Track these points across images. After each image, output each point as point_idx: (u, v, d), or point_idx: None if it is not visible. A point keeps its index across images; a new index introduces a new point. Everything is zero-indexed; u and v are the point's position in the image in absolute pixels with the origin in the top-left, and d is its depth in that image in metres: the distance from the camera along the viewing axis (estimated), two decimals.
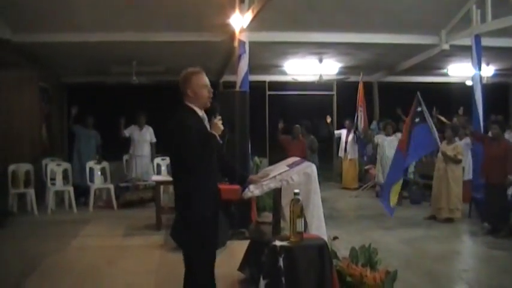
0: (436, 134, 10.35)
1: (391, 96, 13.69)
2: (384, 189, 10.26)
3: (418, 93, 9.95)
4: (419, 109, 9.93)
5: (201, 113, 4.65)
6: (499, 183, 9.42)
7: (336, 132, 16.25)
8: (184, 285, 4.68)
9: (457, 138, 12.53)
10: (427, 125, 10.08)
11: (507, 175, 9.38)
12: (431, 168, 11.40)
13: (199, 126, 4.54)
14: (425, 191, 12.59)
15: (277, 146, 13.56)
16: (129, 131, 12.91)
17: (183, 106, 4.63)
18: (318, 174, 5.58)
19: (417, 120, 9.94)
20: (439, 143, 10.58)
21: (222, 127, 4.58)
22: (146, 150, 13.07)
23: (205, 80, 4.69)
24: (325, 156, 15.87)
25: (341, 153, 16.04)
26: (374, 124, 16.30)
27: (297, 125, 12.99)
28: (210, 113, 4.71)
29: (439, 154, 10.88)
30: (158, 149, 13.30)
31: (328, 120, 15.68)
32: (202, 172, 4.50)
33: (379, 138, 13.41)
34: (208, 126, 4.62)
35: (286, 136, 12.97)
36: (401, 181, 9.99)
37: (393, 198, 9.99)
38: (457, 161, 10.73)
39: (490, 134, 10.35)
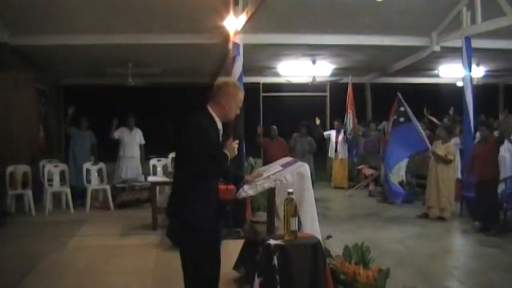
0: (423, 133, 10.48)
1: (384, 97, 13.81)
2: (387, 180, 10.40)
3: (399, 93, 10.07)
4: (402, 109, 10.06)
5: (220, 124, 4.62)
6: (489, 181, 9.56)
7: (325, 133, 16.31)
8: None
9: None
10: (413, 124, 10.21)
11: (498, 172, 9.56)
12: (424, 167, 11.52)
13: (215, 136, 4.53)
14: (417, 190, 12.70)
15: (258, 149, 13.75)
16: (119, 133, 12.97)
17: (204, 110, 4.57)
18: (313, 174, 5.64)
19: (402, 119, 10.07)
20: (428, 142, 10.70)
21: (236, 152, 4.65)
22: (136, 151, 13.14)
23: (242, 100, 4.75)
24: (318, 156, 15.95)
25: (331, 154, 16.13)
26: (384, 124, 16.40)
27: (274, 126, 13.12)
28: (233, 135, 4.74)
29: (430, 154, 11.02)
30: (150, 149, 13.42)
31: (318, 122, 15.76)
32: (207, 179, 4.51)
33: None
34: (220, 139, 4.63)
35: (265, 138, 13.10)
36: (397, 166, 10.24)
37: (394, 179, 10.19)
38: (447, 161, 10.84)
39: (478, 135, 10.52)
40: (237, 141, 4.67)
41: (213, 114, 4.58)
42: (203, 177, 4.46)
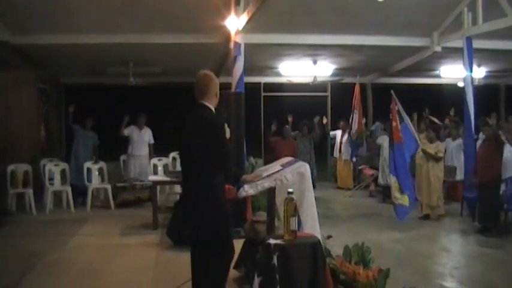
0: (415, 133, 10.46)
1: (385, 97, 13.84)
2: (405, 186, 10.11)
3: (392, 91, 10.05)
4: (397, 108, 10.04)
5: None
6: (490, 182, 9.55)
7: (331, 133, 16.30)
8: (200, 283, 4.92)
9: (450, 139, 12.70)
10: (406, 124, 10.20)
11: (500, 173, 9.53)
12: None
13: None
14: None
15: (268, 147, 13.71)
16: (129, 131, 12.99)
17: (203, 106, 4.92)
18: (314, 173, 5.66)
19: (400, 120, 10.05)
20: (419, 142, 10.68)
21: (229, 133, 4.95)
22: (144, 150, 13.16)
23: None
24: (320, 156, 15.97)
25: (336, 154, 16.13)
26: (376, 125, 16.39)
27: (287, 126, 13.12)
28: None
29: (420, 152, 11.01)
30: (155, 149, 13.45)
31: (325, 121, 15.73)
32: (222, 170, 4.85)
33: (381, 139, 13.49)
34: None
35: (277, 137, 13.09)
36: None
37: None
38: (438, 159, 10.95)
39: (481, 135, 10.51)
40: (226, 124, 5.00)
41: (211, 107, 4.94)
42: (227, 163, 4.85)
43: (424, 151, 10.91)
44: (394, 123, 10.11)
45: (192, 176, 4.89)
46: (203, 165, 4.80)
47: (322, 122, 15.24)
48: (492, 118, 12.95)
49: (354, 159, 15.34)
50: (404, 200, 9.79)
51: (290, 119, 13.83)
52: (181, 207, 5.16)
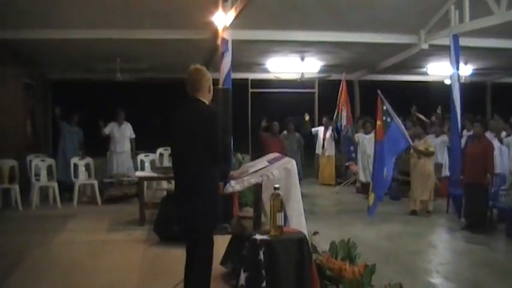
0: (405, 131, 10.50)
1: (372, 94, 13.93)
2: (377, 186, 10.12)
3: (379, 91, 10.08)
4: (384, 107, 10.05)
5: None
6: (480, 181, 9.52)
7: (313, 129, 16.28)
8: (190, 275, 4.90)
9: (433, 136, 12.75)
10: (396, 123, 10.23)
11: (487, 173, 9.51)
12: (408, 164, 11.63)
13: None
14: (404, 187, 12.72)
15: (258, 142, 13.69)
16: (109, 128, 12.98)
17: (197, 100, 4.94)
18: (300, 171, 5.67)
19: (389, 120, 10.05)
20: (410, 140, 10.70)
21: None
22: (126, 146, 13.16)
23: None
24: (308, 152, 15.98)
25: (318, 150, 16.10)
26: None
27: (275, 123, 13.13)
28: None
29: (412, 150, 11.07)
30: (138, 144, 13.44)
31: (307, 118, 15.73)
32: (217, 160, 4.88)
33: (359, 136, 13.57)
34: None
35: (266, 133, 13.11)
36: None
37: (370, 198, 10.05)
38: (429, 154, 11.06)
39: (470, 132, 10.54)
40: None
41: (205, 101, 4.96)
42: (223, 153, 4.95)
43: (414, 148, 10.95)
44: (378, 122, 10.15)
45: (188, 169, 4.86)
46: (201, 157, 4.79)
47: (304, 119, 15.28)
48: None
49: (353, 155, 15.25)
50: (371, 199, 9.85)
51: (264, 123, 13.79)
52: (175, 200, 5.07)
